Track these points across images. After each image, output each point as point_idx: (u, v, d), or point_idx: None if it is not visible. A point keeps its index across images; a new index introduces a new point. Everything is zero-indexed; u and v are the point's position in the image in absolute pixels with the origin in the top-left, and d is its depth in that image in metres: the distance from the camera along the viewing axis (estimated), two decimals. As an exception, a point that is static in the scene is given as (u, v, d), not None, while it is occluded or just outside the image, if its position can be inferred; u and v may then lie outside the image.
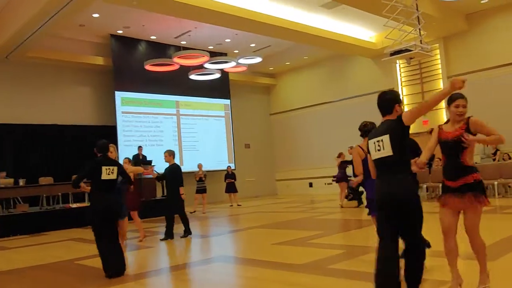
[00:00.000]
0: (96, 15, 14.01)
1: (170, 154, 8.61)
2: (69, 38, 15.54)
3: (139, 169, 9.16)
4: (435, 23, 14.24)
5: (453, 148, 3.68)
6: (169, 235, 8.37)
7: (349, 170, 13.70)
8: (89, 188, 5.72)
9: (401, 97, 3.71)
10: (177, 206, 8.57)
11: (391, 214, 3.40)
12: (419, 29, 11.63)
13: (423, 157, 3.83)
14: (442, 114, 16.30)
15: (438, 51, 16.16)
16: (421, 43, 11.30)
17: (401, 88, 17.46)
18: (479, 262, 3.76)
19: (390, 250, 3.41)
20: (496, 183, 12.03)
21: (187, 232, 8.56)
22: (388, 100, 3.56)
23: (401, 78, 17.52)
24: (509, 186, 11.74)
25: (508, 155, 13.15)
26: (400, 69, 17.49)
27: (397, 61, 15.70)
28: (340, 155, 13.52)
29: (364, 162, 4.72)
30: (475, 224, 3.69)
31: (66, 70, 15.95)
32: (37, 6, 11.22)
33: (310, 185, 20.09)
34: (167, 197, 9.30)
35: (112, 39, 16.23)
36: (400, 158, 3.38)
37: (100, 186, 5.48)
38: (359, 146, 4.88)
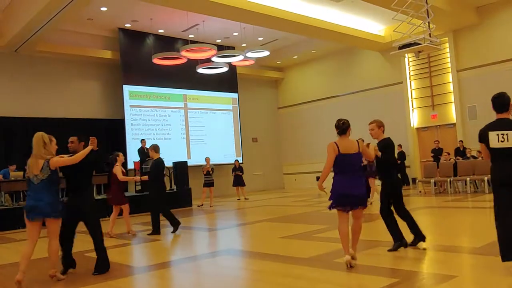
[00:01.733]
0: (104, 9, 14.05)
1: (152, 149, 8.45)
2: (77, 32, 15.59)
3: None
4: (445, 16, 14.09)
5: None
6: (156, 230, 8.31)
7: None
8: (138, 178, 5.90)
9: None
10: (159, 202, 8.34)
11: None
12: (428, 22, 11.50)
13: None
14: (451, 108, 16.18)
15: (447, 45, 16.00)
16: (430, 36, 11.18)
17: (410, 82, 17.34)
18: None
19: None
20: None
21: (175, 226, 8.42)
22: (508, 100, 4.34)
23: (409, 72, 17.40)
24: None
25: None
26: (408, 63, 17.36)
27: (406, 55, 15.60)
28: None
29: (337, 158, 4.83)
30: None
31: (75, 64, 16.03)
32: (46, 0, 11.27)
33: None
34: (149, 192, 8.80)
35: (120, 32, 16.27)
36: None
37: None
38: (334, 142, 4.94)
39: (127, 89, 16.46)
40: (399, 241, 5.49)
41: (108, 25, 15.70)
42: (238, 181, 16.05)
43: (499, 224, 4.16)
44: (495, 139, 4.25)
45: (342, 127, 5.01)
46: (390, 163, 5.72)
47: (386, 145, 5.67)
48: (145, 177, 8.92)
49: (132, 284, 5.04)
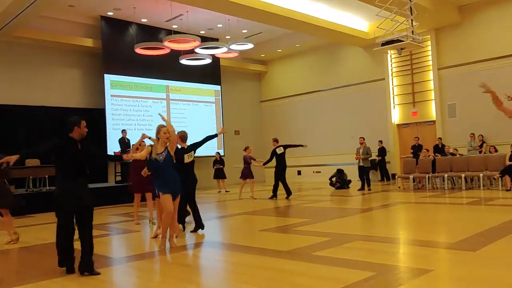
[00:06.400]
0: (86, -4, 13.80)
1: (181, 137, 7.87)
2: (58, 18, 15.28)
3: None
4: (428, 15, 14.23)
5: None
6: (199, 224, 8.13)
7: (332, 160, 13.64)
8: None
9: None
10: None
11: None
12: (411, 19, 11.64)
13: None
14: (431, 105, 16.40)
15: (429, 43, 16.19)
16: (412, 34, 11.32)
17: (392, 78, 17.51)
18: None
19: None
20: (481, 175, 12.18)
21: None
22: None
23: (391, 69, 17.56)
24: (494, 178, 11.89)
25: (495, 147, 13.31)
26: (391, 60, 17.51)
27: (388, 52, 15.72)
28: (246, 149, 13.26)
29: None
30: None
31: (55, 51, 15.72)
32: (26, -15, 11.02)
33: (299, 173, 20.17)
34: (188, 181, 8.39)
35: (102, 20, 16.01)
36: None
37: None
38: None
39: (108, 78, 16.24)
40: None
41: (90, 12, 15.42)
42: (219, 174, 16.03)
43: None
44: None
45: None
46: None
47: None
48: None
49: (110, 275, 5.00)
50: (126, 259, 5.76)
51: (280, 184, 12.32)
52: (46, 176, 12.60)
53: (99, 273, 4.72)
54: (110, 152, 15.06)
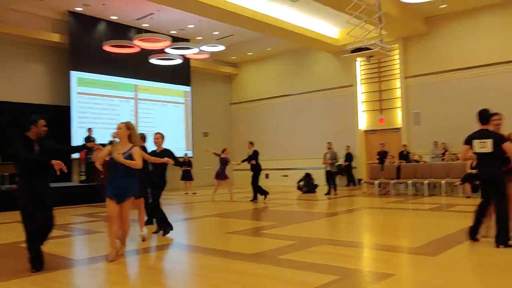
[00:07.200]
0: (54, -10, 13.46)
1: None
2: (25, 11, 14.83)
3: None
4: (396, 24, 14.58)
5: None
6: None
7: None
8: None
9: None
10: None
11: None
12: (380, 28, 11.86)
13: None
14: (397, 113, 16.77)
15: (397, 51, 16.57)
16: (381, 42, 11.53)
17: (360, 85, 17.82)
18: None
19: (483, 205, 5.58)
20: (443, 182, 12.52)
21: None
22: (489, 114, 5.56)
23: (360, 76, 17.87)
24: (455, 186, 12.24)
25: (457, 156, 13.70)
26: (360, 67, 17.82)
27: (358, 59, 16.02)
28: (224, 150, 13.31)
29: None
30: None
31: (20, 45, 15.23)
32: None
33: (267, 176, 20.21)
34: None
35: (70, 16, 15.64)
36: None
37: None
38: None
39: (75, 75, 15.86)
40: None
41: (58, 7, 15.03)
42: (186, 175, 15.89)
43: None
44: (477, 146, 5.50)
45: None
46: None
47: None
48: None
49: (70, 276, 4.87)
50: (87, 260, 5.62)
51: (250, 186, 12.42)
52: (7, 173, 12.17)
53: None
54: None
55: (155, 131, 7.32)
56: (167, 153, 6.94)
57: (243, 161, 12.79)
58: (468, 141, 5.62)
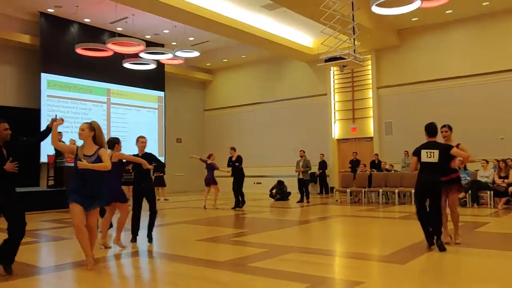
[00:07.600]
0: (25, -10, 13.18)
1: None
2: (-7, 11, 14.49)
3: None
4: (369, 35, 14.84)
5: None
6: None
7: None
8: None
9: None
10: None
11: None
12: (354, 39, 12.05)
13: None
14: (369, 122, 17.03)
15: (370, 62, 16.86)
16: (354, 52, 11.71)
17: (333, 94, 18.03)
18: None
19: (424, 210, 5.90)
20: (413, 191, 12.70)
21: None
22: (436, 128, 6.04)
23: (334, 85, 18.08)
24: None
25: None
26: (333, 76, 18.05)
27: (331, 68, 16.21)
28: (210, 156, 13.29)
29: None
30: None
31: (-12, 45, 14.85)
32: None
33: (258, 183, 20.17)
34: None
35: (42, 17, 15.33)
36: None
37: None
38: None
39: (45, 77, 15.53)
40: None
41: (29, 7, 14.72)
42: (159, 182, 15.68)
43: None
44: (424, 155, 5.91)
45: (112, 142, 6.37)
46: None
47: None
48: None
49: (34, 285, 4.71)
50: (54, 268, 5.46)
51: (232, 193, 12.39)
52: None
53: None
54: (43, 155, 14.39)
55: (127, 136, 7.25)
56: (150, 156, 6.86)
57: (231, 164, 12.61)
58: (417, 152, 6.05)
